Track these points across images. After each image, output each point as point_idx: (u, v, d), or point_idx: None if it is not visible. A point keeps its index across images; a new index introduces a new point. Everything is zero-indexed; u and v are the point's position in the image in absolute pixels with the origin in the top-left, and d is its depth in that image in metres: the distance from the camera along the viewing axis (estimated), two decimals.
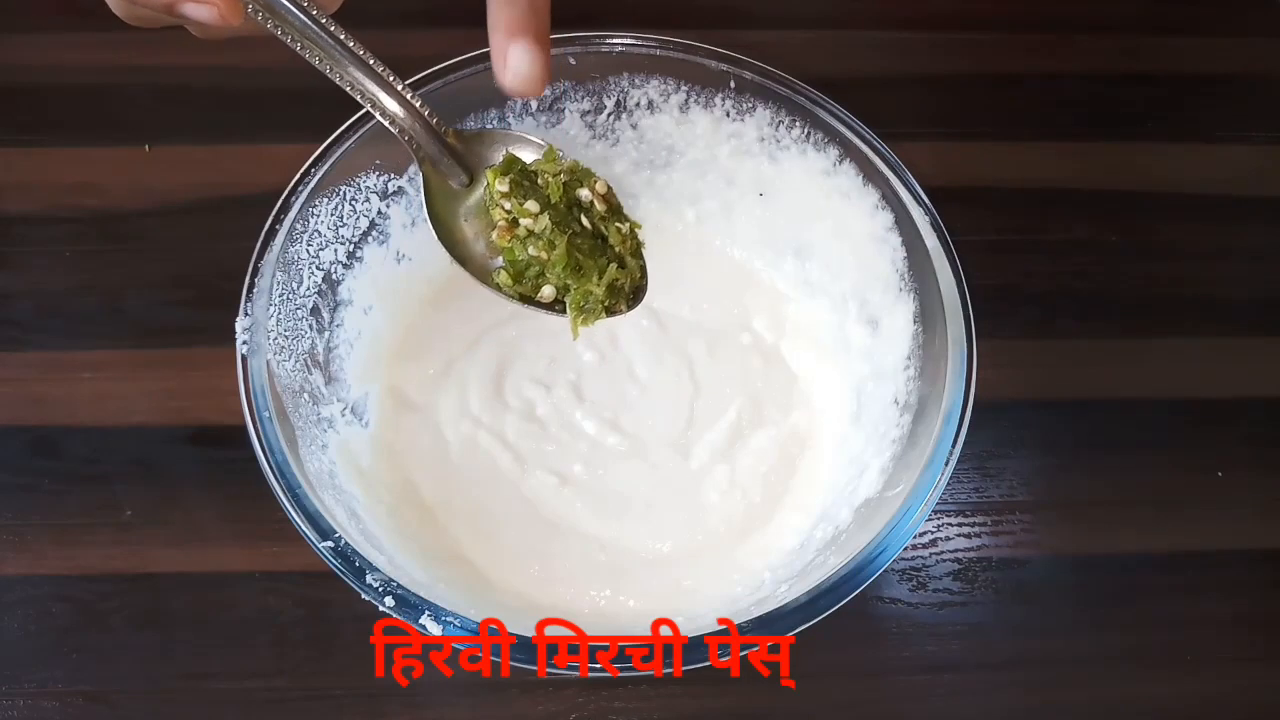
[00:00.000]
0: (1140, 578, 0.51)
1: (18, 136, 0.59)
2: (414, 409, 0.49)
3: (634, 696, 0.47)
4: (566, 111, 0.48)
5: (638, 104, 0.48)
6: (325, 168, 0.43)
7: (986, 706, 0.47)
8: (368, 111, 0.37)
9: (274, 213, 0.42)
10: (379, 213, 0.46)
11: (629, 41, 0.46)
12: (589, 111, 0.48)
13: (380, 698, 0.46)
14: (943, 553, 0.51)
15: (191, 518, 0.49)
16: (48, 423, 0.51)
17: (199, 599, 0.47)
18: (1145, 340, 0.57)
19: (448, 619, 0.35)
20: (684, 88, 0.47)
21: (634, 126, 0.49)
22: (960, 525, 0.51)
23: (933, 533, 0.51)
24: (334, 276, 0.45)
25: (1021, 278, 0.58)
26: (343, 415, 0.45)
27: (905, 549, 0.50)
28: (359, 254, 0.46)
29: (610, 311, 0.39)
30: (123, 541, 0.49)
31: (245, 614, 0.47)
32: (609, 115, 0.48)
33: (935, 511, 0.51)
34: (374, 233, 0.47)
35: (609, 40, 0.46)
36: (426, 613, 0.35)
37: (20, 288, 0.55)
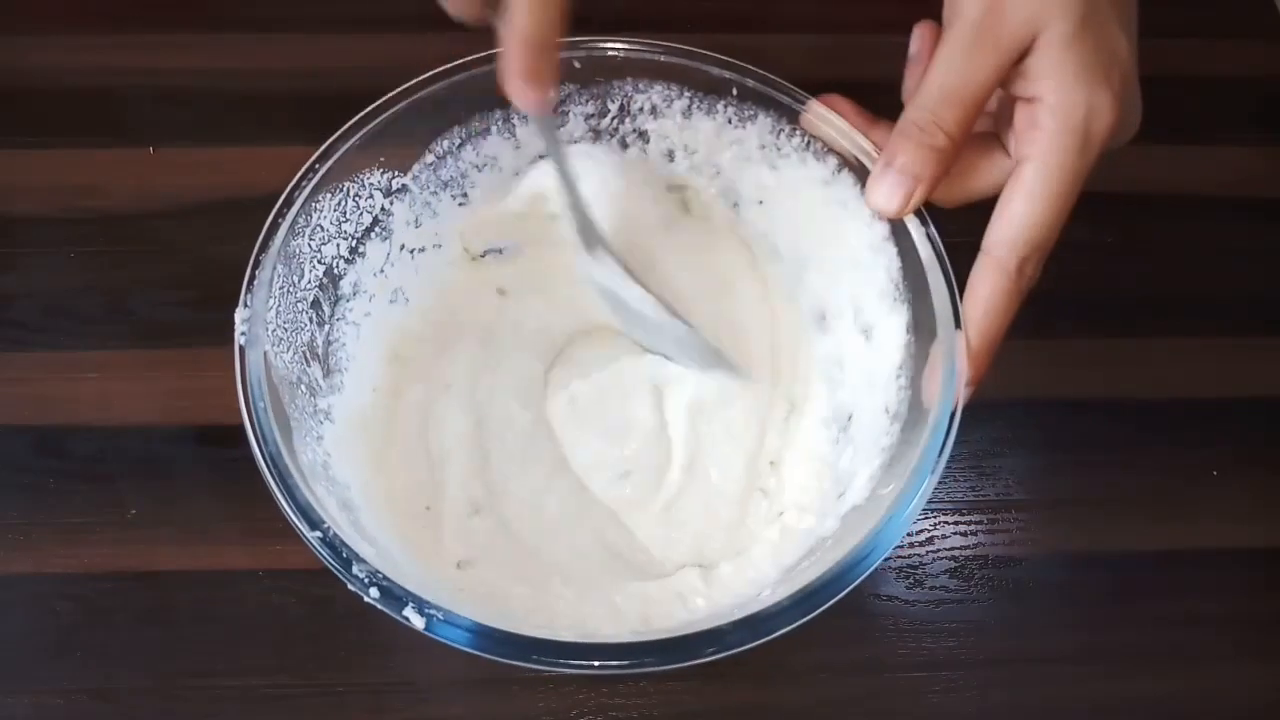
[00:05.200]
0: (1135, 576, 0.51)
1: (22, 138, 0.59)
2: (409, 406, 0.49)
3: (633, 693, 0.47)
4: (571, 114, 0.48)
5: (641, 109, 0.48)
6: (329, 164, 0.43)
7: (982, 703, 0.48)
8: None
9: (277, 206, 0.42)
10: (382, 209, 0.47)
11: (634, 47, 0.46)
12: (592, 115, 0.48)
13: (382, 694, 0.46)
14: (939, 550, 0.51)
15: (196, 516, 0.50)
16: (52, 422, 0.52)
17: (203, 597, 0.48)
18: (1141, 340, 0.57)
19: (431, 612, 0.35)
20: (687, 94, 0.47)
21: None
22: (956, 523, 0.52)
23: (929, 531, 0.52)
24: (335, 271, 0.45)
25: None
26: (340, 408, 0.45)
27: (902, 547, 0.50)
28: (361, 249, 0.46)
29: None
30: (127, 540, 0.49)
31: (249, 611, 0.48)
32: (612, 119, 0.49)
33: (932, 510, 0.52)
34: (377, 229, 0.47)
35: (614, 45, 0.46)
36: (410, 605, 0.35)
37: (25, 288, 0.55)
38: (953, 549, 0.51)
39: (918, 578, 0.50)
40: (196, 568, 0.48)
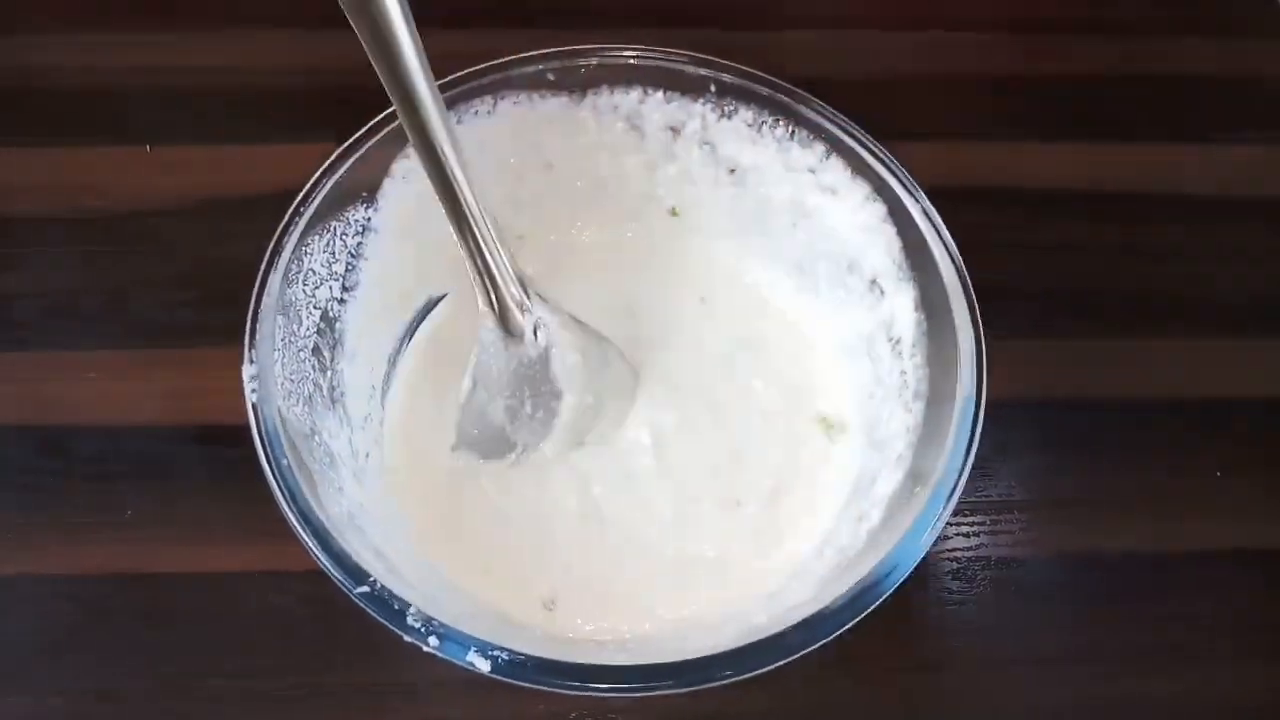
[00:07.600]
0: (1136, 576, 0.51)
1: (21, 137, 0.59)
2: (421, 443, 0.48)
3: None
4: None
5: None
6: (314, 205, 0.42)
7: (983, 704, 0.48)
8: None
9: (267, 256, 0.41)
10: None
11: (608, 54, 0.46)
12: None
13: (383, 695, 0.46)
14: (941, 552, 0.51)
15: (196, 517, 0.49)
16: (53, 422, 0.52)
17: (203, 597, 0.48)
18: (1142, 340, 0.57)
19: (495, 653, 0.35)
20: (663, 93, 0.47)
21: None
22: (958, 525, 0.52)
23: None
24: (331, 314, 0.45)
25: (1019, 277, 0.58)
26: (355, 454, 0.44)
27: None
28: (352, 288, 0.46)
29: None
30: (128, 540, 0.49)
31: (249, 611, 0.48)
32: None
33: None
34: None
35: (586, 54, 0.46)
36: (473, 649, 0.35)
37: (25, 288, 0.55)
38: (955, 550, 0.51)
39: (920, 579, 0.50)
40: (196, 568, 0.48)
